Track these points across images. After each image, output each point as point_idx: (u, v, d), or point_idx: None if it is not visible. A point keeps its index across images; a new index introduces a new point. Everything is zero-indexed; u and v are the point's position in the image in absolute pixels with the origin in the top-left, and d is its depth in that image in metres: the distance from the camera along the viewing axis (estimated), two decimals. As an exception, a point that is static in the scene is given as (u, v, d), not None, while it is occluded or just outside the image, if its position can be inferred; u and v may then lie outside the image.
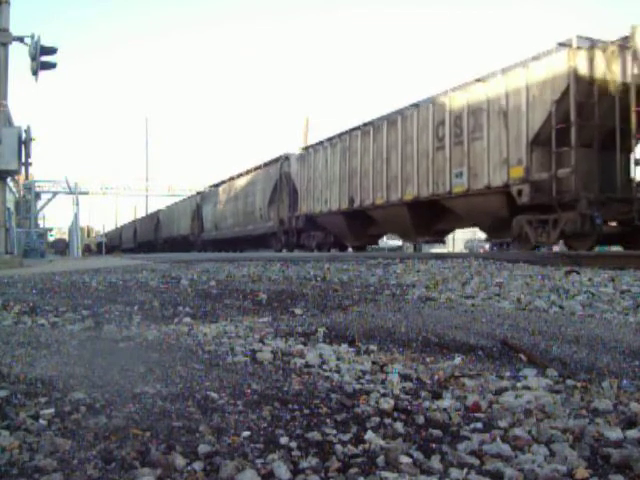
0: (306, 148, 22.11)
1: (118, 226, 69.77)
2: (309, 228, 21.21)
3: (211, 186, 34.28)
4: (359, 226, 18.58)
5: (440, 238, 18.12)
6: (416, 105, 15.58)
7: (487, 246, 30.55)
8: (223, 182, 31.73)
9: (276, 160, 24.12)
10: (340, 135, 19.21)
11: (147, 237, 47.23)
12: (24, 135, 13.10)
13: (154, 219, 46.02)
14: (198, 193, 35.86)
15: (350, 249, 22.36)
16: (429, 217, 15.60)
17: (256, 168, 26.69)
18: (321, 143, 20.57)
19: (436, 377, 2.07)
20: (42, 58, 13.39)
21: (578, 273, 6.26)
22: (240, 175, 28.89)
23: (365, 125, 17.88)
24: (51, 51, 13.58)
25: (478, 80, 13.53)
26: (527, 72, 12.15)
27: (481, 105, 13.16)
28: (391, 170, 16.14)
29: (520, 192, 12.14)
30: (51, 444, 1.33)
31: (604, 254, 11.43)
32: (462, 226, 16.90)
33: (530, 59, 12.37)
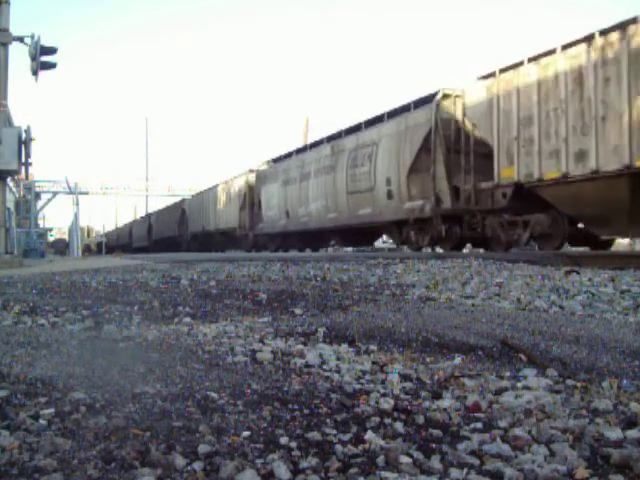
0: (514, 66, 11.72)
1: (125, 223, 63.02)
2: (515, 208, 11.98)
3: (274, 160, 24.65)
4: None
5: None
6: None
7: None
8: (299, 150, 22.05)
9: (422, 102, 14.63)
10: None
11: (167, 233, 38.93)
12: (24, 135, 13.12)
13: (177, 211, 37.37)
14: (251, 171, 25.84)
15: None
16: None
17: (369, 123, 17.12)
18: (552, 52, 10.77)
19: (436, 377, 2.07)
20: (42, 58, 13.41)
21: (578, 273, 6.26)
22: (334, 137, 19.16)
23: None
24: (51, 51, 13.60)
25: None
26: None
27: None
28: None
29: None
30: (51, 444, 1.33)
31: (604, 254, 11.31)
32: None
33: None
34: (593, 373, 2.14)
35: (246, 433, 1.44)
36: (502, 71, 11.97)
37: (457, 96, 13.60)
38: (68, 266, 10.76)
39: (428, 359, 2.38)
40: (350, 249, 22.48)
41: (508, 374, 2.13)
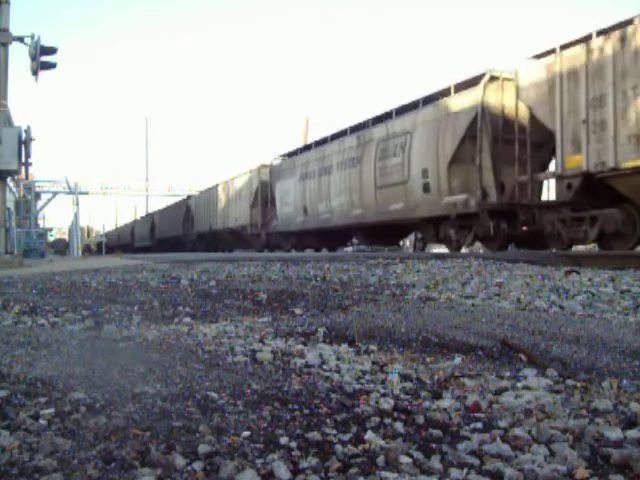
0: (579, 41, 10.48)
1: (127, 222, 61.32)
2: (576, 202, 10.54)
3: (289, 153, 23.22)
4: None
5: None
6: None
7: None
8: (319, 142, 20.34)
9: (464, 85, 13.37)
10: None
11: (171, 233, 37.58)
12: (24, 135, 13.13)
13: (182, 209, 35.93)
14: (264, 166, 24.18)
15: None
16: None
17: (400, 110, 15.66)
18: (628, 23, 9.59)
19: (436, 377, 2.07)
20: (42, 58, 13.41)
21: (578, 273, 6.26)
22: (360, 127, 17.55)
23: None
24: (51, 51, 13.61)
25: None
26: None
27: None
28: None
29: None
30: (51, 444, 1.33)
31: (604, 254, 11.25)
32: None
33: None
34: (593, 373, 2.14)
35: (246, 433, 1.44)
36: (564, 47, 10.60)
37: (505, 78, 12.49)
38: (68, 266, 10.76)
39: (428, 359, 2.38)
40: (350, 249, 22.31)
41: (508, 374, 2.13)
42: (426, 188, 13.97)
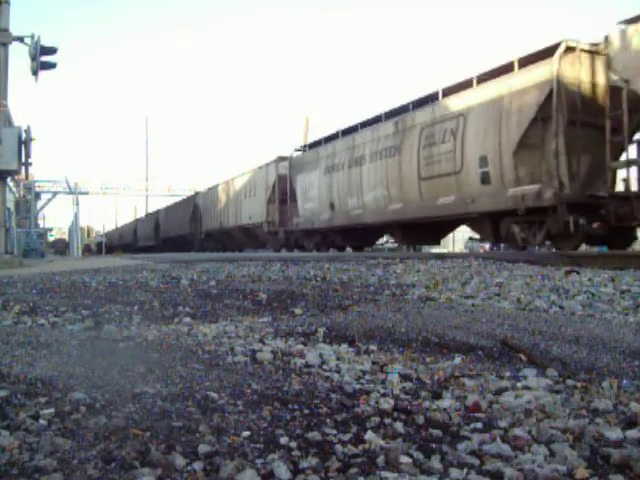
0: None
1: (130, 221, 59.55)
2: None
3: (310, 144, 21.55)
4: None
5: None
6: None
7: (487, 246, 28.18)
8: (347, 131, 18.21)
9: (531, 59, 11.54)
10: None
11: (177, 231, 35.93)
12: (24, 135, 13.14)
13: (189, 206, 34.27)
14: (281, 158, 22.17)
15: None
16: None
17: (449, 91, 13.84)
18: None
19: (436, 377, 2.07)
20: (42, 58, 13.42)
21: (578, 273, 6.26)
22: (397, 112, 15.61)
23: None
24: (51, 51, 13.61)
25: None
26: None
27: None
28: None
29: None
30: (51, 444, 1.33)
31: (604, 254, 11.22)
32: None
33: None
34: (593, 373, 2.14)
35: (246, 433, 1.44)
36: None
37: (583, 50, 10.84)
38: (68, 266, 10.75)
39: (428, 359, 2.38)
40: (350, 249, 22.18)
41: (508, 374, 2.13)
42: (485, 179, 12.10)
